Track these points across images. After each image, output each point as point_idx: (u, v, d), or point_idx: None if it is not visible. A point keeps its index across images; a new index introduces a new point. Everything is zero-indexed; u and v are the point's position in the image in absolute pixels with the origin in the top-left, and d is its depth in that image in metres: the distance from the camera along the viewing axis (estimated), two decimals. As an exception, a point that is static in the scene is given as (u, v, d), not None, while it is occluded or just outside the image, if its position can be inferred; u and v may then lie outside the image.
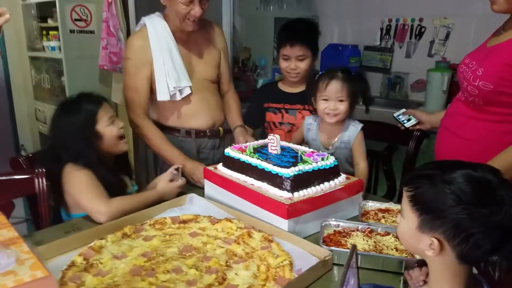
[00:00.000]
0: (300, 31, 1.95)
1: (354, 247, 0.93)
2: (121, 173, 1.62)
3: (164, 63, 1.76)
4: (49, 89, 3.42)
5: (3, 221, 0.86)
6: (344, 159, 1.73)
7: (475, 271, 0.84)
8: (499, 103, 1.32)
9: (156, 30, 1.77)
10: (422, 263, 0.91)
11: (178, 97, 1.81)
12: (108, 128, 1.50)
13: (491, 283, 0.84)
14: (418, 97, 3.31)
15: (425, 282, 0.95)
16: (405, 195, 0.82)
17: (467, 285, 0.79)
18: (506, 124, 1.32)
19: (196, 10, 1.67)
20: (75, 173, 1.41)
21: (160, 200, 1.50)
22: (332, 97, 1.65)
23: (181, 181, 1.61)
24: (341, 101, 1.65)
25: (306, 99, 1.93)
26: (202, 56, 1.91)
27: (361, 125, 1.72)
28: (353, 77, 1.68)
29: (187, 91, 1.82)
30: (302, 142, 1.84)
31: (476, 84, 1.33)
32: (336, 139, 1.73)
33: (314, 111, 1.90)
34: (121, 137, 1.56)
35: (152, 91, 1.83)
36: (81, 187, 1.40)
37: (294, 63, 1.95)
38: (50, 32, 3.03)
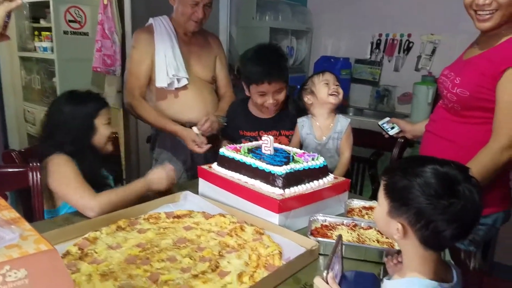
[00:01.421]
0: (275, 65, 1.84)
1: (339, 236, 0.99)
2: (107, 171, 1.68)
3: (165, 55, 1.94)
4: (39, 90, 3.39)
5: (3, 203, 0.87)
6: (335, 150, 1.85)
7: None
8: (476, 108, 1.43)
9: (162, 27, 1.99)
10: (400, 253, 0.99)
11: (176, 85, 1.96)
12: (104, 126, 1.59)
13: (466, 272, 0.90)
14: (404, 109, 3.41)
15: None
16: (382, 184, 0.90)
17: (435, 269, 0.86)
18: (484, 126, 1.41)
19: (199, 13, 1.92)
20: (60, 166, 1.44)
21: (148, 190, 1.52)
22: (331, 81, 1.81)
23: (170, 171, 1.61)
24: (337, 85, 1.82)
25: (281, 124, 1.94)
26: (199, 58, 2.09)
27: (349, 119, 1.86)
28: None
29: (184, 81, 1.98)
30: (301, 146, 1.91)
31: (454, 91, 1.45)
32: (329, 131, 1.84)
33: (290, 136, 1.94)
34: (110, 139, 1.64)
35: (151, 82, 1.99)
36: (67, 181, 1.42)
37: (273, 98, 1.85)
38: (43, 33, 3.01)
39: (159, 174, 1.56)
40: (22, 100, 3.43)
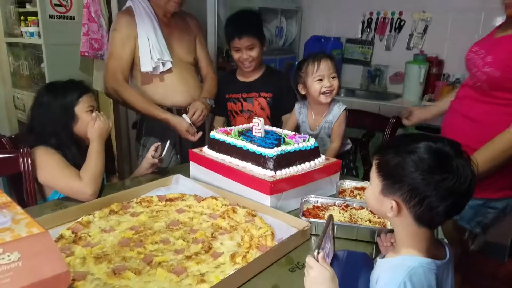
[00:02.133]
0: (245, 23, 2.07)
1: (330, 216, 1.00)
2: None
3: (148, 38, 1.91)
4: (28, 76, 3.35)
5: (-6, 189, 0.87)
6: (327, 136, 1.84)
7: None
8: (504, 89, 1.41)
9: (141, 9, 1.94)
10: (392, 232, 0.99)
11: (161, 69, 1.93)
12: (85, 114, 1.53)
13: (465, 252, 0.91)
14: (396, 89, 3.41)
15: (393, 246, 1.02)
16: (374, 163, 0.90)
17: (428, 247, 0.86)
18: (509, 108, 1.41)
19: None
20: (45, 158, 1.45)
21: (101, 143, 1.52)
22: (326, 75, 1.75)
23: (151, 158, 1.68)
24: (334, 77, 1.77)
25: (260, 87, 2.14)
26: (180, 40, 2.06)
27: (344, 106, 1.82)
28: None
29: (169, 65, 1.95)
30: (298, 128, 1.92)
31: (485, 70, 1.43)
32: (321, 120, 1.83)
33: (268, 97, 2.12)
34: None
35: (133, 66, 1.96)
36: (53, 172, 1.43)
37: (245, 53, 2.06)
38: (29, 18, 2.96)
39: (98, 131, 1.51)
40: (11, 86, 3.39)
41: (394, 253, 0.91)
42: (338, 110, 1.81)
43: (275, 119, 2.15)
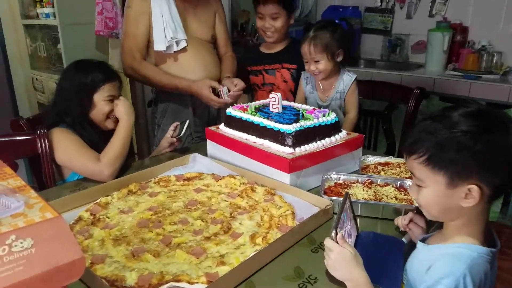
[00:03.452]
0: None
1: (346, 194, 0.96)
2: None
3: (162, 14, 1.81)
4: (45, 58, 3.37)
5: (9, 172, 0.86)
6: (339, 108, 1.78)
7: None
8: None
9: None
10: (419, 210, 0.91)
11: (175, 48, 1.85)
12: (102, 103, 1.51)
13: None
14: (418, 58, 3.28)
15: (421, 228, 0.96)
16: (417, 163, 0.79)
17: (483, 232, 0.79)
18: None
19: None
20: (61, 138, 1.44)
21: (129, 127, 1.50)
22: (308, 59, 1.71)
23: (170, 137, 1.66)
24: (316, 61, 1.69)
25: (284, 58, 2.03)
26: (197, 15, 1.95)
27: (355, 75, 1.76)
28: (329, 30, 1.69)
29: (183, 44, 1.86)
30: (305, 100, 1.85)
31: None
32: (331, 91, 1.77)
33: (291, 69, 2.03)
34: (109, 117, 1.54)
35: (149, 44, 1.89)
36: (70, 153, 1.42)
37: (268, 22, 1.95)
38: (43, -1, 2.97)
39: (125, 108, 1.51)
40: (29, 68, 3.43)
41: (443, 239, 0.83)
42: (349, 79, 1.75)
43: None
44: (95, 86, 1.49)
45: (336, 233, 0.83)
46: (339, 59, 1.73)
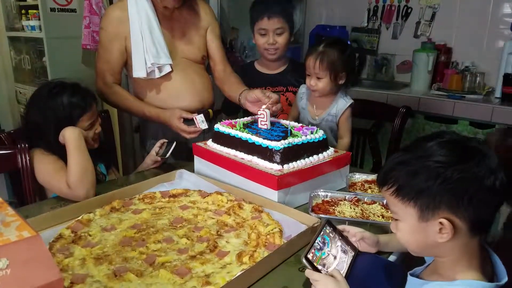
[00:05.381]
0: (276, 3, 1.87)
1: (325, 220, 0.98)
2: (98, 161, 1.57)
3: (143, 37, 1.65)
4: (30, 71, 3.31)
5: (-13, 189, 0.83)
6: (329, 131, 1.75)
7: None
8: None
9: (137, 2, 1.66)
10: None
11: (157, 75, 1.69)
12: (84, 132, 1.43)
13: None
14: (404, 78, 3.33)
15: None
16: (388, 194, 0.77)
17: (481, 263, 0.75)
18: None
19: None
20: (40, 160, 1.39)
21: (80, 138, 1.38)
22: (311, 73, 1.67)
23: (154, 155, 1.61)
24: (319, 78, 1.65)
25: (288, 81, 1.93)
26: (185, 35, 1.79)
27: (351, 101, 1.73)
28: (338, 49, 1.64)
29: (167, 69, 1.70)
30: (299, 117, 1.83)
31: None
32: (324, 111, 1.74)
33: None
34: (94, 139, 1.50)
35: (127, 68, 1.76)
36: (48, 175, 1.38)
37: (273, 38, 1.86)
38: (30, 11, 2.92)
39: (72, 130, 1.37)
40: (13, 81, 3.37)
41: (442, 276, 0.78)
42: (343, 103, 1.71)
43: None
44: (72, 121, 1.40)
45: (310, 262, 0.86)
46: (341, 81, 1.68)
